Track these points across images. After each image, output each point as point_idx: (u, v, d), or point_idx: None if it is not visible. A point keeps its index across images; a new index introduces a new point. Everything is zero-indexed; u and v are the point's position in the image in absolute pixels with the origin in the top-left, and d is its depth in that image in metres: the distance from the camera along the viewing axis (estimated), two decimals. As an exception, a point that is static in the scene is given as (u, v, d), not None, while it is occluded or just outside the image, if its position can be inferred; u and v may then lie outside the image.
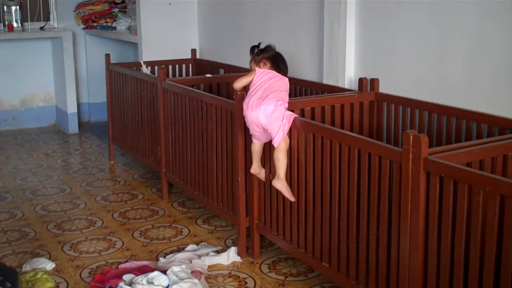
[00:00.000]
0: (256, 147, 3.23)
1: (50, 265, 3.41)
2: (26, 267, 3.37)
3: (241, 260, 3.45)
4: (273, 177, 3.12)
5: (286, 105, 3.11)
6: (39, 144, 6.33)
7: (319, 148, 2.89)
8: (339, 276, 2.85)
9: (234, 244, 3.63)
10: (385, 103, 3.57)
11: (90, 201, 4.53)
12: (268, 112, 3.04)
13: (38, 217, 4.22)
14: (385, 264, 2.58)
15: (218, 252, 3.55)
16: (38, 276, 3.24)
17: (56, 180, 5.10)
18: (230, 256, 3.46)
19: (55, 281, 3.23)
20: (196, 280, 3.03)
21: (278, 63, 3.28)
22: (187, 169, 4.13)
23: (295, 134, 3.06)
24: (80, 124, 6.97)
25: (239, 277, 3.28)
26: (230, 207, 3.62)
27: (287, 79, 3.26)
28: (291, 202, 3.13)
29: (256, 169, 3.27)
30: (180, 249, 3.60)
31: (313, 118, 3.34)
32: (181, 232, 3.92)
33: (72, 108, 6.80)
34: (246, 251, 3.50)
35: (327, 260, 2.92)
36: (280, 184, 3.08)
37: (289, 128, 3.06)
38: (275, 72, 3.23)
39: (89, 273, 3.35)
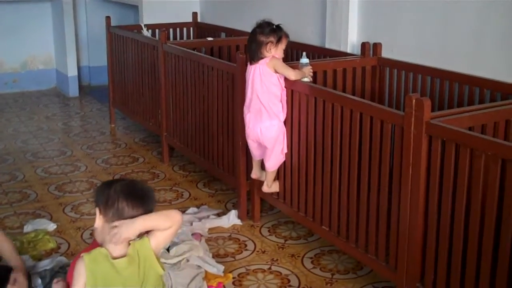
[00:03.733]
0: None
1: (51, 226, 3.43)
2: (28, 228, 3.38)
3: (241, 223, 3.47)
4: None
5: (282, 118, 3.12)
6: (39, 107, 6.32)
7: (321, 111, 2.88)
8: (338, 240, 2.87)
9: (235, 207, 3.65)
10: (388, 68, 3.55)
11: (91, 164, 4.54)
12: (269, 137, 3.10)
13: (39, 179, 4.23)
14: (385, 227, 2.59)
15: (218, 215, 3.57)
16: (40, 237, 3.26)
17: (57, 142, 5.10)
18: (231, 219, 3.47)
19: (56, 242, 3.26)
20: (196, 242, 3.05)
21: (250, 44, 3.15)
22: (188, 133, 4.12)
23: (297, 97, 3.04)
24: (81, 88, 6.93)
25: (239, 239, 3.30)
26: (230, 170, 3.62)
27: (267, 64, 3.04)
28: (292, 166, 3.13)
29: (257, 173, 3.32)
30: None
31: (315, 82, 3.32)
32: (182, 195, 3.93)
33: (72, 71, 6.76)
34: (246, 215, 3.52)
35: (327, 223, 2.94)
36: (270, 190, 3.28)
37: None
38: (260, 64, 3.08)
39: (90, 234, 3.37)
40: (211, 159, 3.85)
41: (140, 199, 1.93)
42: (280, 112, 3.09)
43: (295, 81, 3.04)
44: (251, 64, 3.11)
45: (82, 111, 6.18)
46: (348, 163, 2.75)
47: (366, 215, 2.69)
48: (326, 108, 2.85)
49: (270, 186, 3.26)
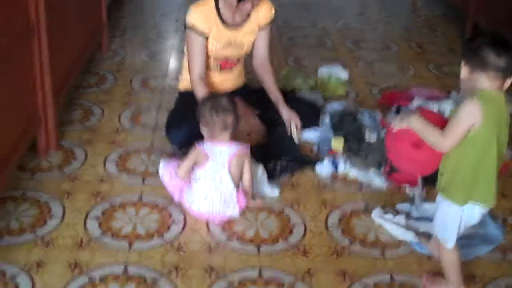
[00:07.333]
0: None
1: (343, 75, 3.49)
2: (322, 72, 3.50)
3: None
4: None
5: None
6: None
7: None
8: None
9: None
10: None
11: (387, 28, 4.50)
12: None
13: (337, 31, 4.33)
14: None
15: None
16: (332, 81, 3.36)
17: (358, 1, 5.12)
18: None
19: (345, 89, 3.33)
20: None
21: None
22: (503, 11, 3.79)
23: None
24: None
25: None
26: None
27: None
28: None
29: None
30: (474, 90, 3.43)
31: None
32: (477, 75, 3.71)
33: None
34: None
35: None
36: None
37: None
38: None
39: (378, 91, 3.37)
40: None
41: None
42: None
43: None
44: None
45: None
46: None
47: None
48: None
49: None
